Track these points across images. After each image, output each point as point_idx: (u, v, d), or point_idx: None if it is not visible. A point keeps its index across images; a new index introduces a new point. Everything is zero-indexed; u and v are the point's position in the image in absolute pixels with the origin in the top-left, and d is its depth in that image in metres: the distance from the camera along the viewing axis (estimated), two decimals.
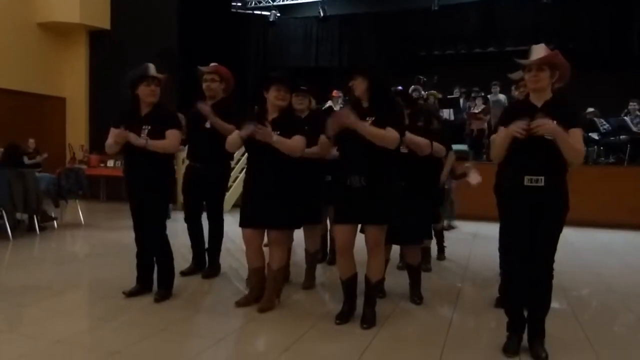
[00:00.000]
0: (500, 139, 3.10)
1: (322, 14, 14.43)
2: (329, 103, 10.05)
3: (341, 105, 4.98)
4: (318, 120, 4.47)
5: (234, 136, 3.86)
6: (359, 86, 3.50)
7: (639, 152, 9.83)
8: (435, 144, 4.19)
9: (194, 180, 4.86)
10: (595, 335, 3.53)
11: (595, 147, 10.35)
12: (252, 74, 14.16)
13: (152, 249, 4.13)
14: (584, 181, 7.44)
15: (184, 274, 4.82)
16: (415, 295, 4.23)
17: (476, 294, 4.55)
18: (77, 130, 12.82)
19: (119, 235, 7.14)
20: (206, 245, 5.00)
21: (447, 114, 11.16)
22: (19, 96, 11.59)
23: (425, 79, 11.88)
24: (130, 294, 4.12)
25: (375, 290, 3.72)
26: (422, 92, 10.88)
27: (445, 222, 7.26)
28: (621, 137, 10.06)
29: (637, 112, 10.09)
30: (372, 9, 13.93)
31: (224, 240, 5.05)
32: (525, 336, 3.18)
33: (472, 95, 11.70)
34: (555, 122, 2.92)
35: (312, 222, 4.50)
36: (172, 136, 3.97)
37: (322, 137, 3.76)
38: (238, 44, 14.32)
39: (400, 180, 3.69)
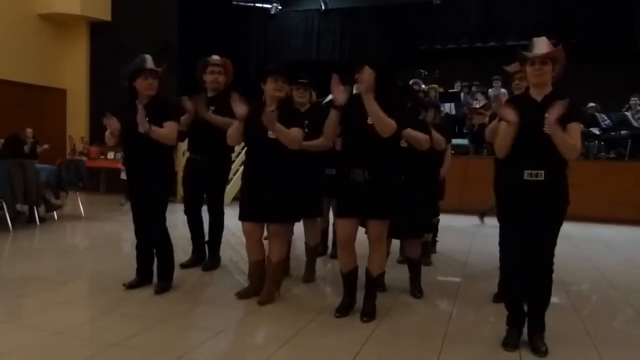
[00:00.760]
0: (505, 133, 3.07)
1: (323, 7, 14.36)
2: (330, 97, 10.03)
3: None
4: (318, 114, 4.46)
5: (233, 129, 3.84)
6: (367, 77, 3.47)
7: (639, 148, 9.81)
8: (435, 135, 4.19)
9: (194, 173, 4.85)
10: (595, 330, 3.53)
11: (596, 142, 10.33)
12: (253, 67, 14.11)
13: (151, 241, 4.13)
14: (584, 176, 7.43)
15: (184, 266, 4.82)
16: (416, 289, 4.23)
17: (476, 288, 4.55)
18: (77, 122, 12.79)
19: (118, 227, 7.15)
20: (206, 238, 5.00)
21: (448, 108, 11.14)
22: (19, 88, 11.56)
23: (426, 73, 11.84)
24: (130, 286, 4.12)
25: (376, 283, 3.72)
26: (423, 86, 10.85)
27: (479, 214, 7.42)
28: (622, 132, 10.03)
29: (638, 107, 10.07)
30: (373, 3, 13.87)
31: (224, 232, 5.05)
32: (525, 330, 3.18)
33: (473, 89, 11.67)
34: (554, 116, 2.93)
35: (311, 216, 4.50)
36: (170, 127, 3.96)
37: (328, 121, 3.65)
38: (239, 37, 14.27)
39: (401, 174, 3.68)
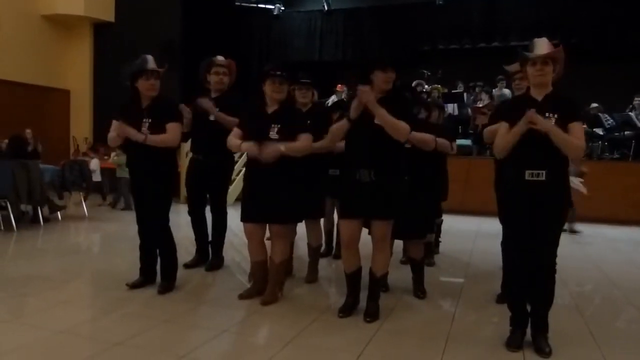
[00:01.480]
0: (509, 135, 3.06)
1: (326, 8, 14.37)
2: (333, 97, 10.02)
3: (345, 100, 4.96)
4: (320, 114, 4.46)
5: (234, 141, 3.85)
6: (388, 79, 3.44)
7: None
8: (439, 139, 4.19)
9: (197, 173, 4.85)
10: (599, 330, 3.52)
11: (600, 142, 10.30)
12: (255, 68, 14.13)
13: (155, 241, 4.14)
14: (588, 177, 7.41)
15: (187, 266, 4.82)
16: (419, 290, 4.22)
17: (479, 289, 4.54)
18: (81, 122, 12.84)
19: (122, 227, 7.16)
20: (209, 238, 5.00)
21: (451, 108, 11.13)
22: (23, 88, 11.60)
23: (429, 74, 11.84)
24: (134, 285, 4.12)
25: (380, 284, 3.72)
26: (426, 87, 10.84)
27: (567, 226, 7.05)
28: (626, 132, 10.01)
29: None
30: (376, 3, 13.88)
31: (227, 233, 5.05)
32: (528, 331, 3.17)
33: (477, 90, 11.65)
34: (555, 115, 2.92)
35: (313, 217, 4.49)
36: (173, 129, 3.96)
37: (334, 126, 3.65)
38: (242, 38, 14.29)
39: (405, 175, 3.67)
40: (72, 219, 7.90)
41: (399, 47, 13.50)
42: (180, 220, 5.92)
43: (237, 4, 14.27)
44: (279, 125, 3.71)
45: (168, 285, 4.09)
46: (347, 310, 3.63)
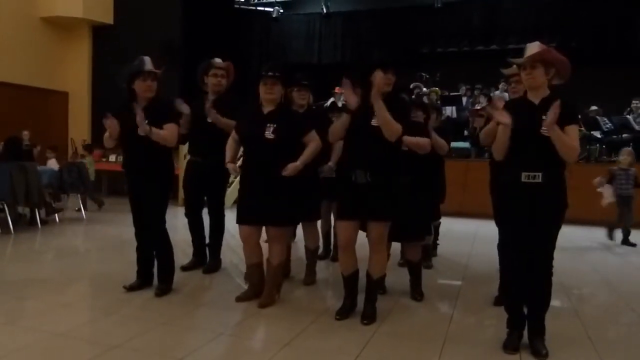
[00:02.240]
0: (499, 133, 3.07)
1: (325, 11, 14.40)
2: (331, 100, 10.02)
3: (343, 102, 4.95)
4: (316, 116, 4.47)
5: (231, 143, 3.97)
6: (388, 80, 3.45)
7: None
8: (438, 140, 4.19)
9: (195, 175, 4.86)
10: (597, 333, 3.52)
11: (598, 145, 10.31)
12: (254, 70, 14.13)
13: (152, 243, 4.13)
14: (586, 179, 7.41)
15: (184, 268, 4.82)
16: (416, 292, 4.22)
17: (477, 291, 4.54)
18: (79, 124, 12.83)
19: (120, 230, 7.15)
20: (207, 240, 5.00)
21: (449, 111, 11.13)
22: (21, 90, 11.60)
23: (427, 76, 11.85)
24: (131, 288, 4.12)
25: (377, 286, 3.72)
26: (424, 89, 10.85)
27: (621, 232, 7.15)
28: (623, 135, 10.00)
29: None
30: (375, 6, 13.91)
31: (225, 235, 5.05)
32: (525, 333, 3.17)
33: (476, 92, 11.66)
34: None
35: (310, 219, 4.49)
36: (170, 129, 3.96)
37: (335, 123, 3.65)
38: (241, 40, 14.31)
39: (402, 176, 3.67)
40: (69, 221, 7.89)
41: (398, 50, 13.52)
42: (177, 222, 5.91)
43: (236, 6, 14.30)
44: (274, 125, 3.72)
45: (165, 287, 4.09)
46: (344, 312, 3.63)
